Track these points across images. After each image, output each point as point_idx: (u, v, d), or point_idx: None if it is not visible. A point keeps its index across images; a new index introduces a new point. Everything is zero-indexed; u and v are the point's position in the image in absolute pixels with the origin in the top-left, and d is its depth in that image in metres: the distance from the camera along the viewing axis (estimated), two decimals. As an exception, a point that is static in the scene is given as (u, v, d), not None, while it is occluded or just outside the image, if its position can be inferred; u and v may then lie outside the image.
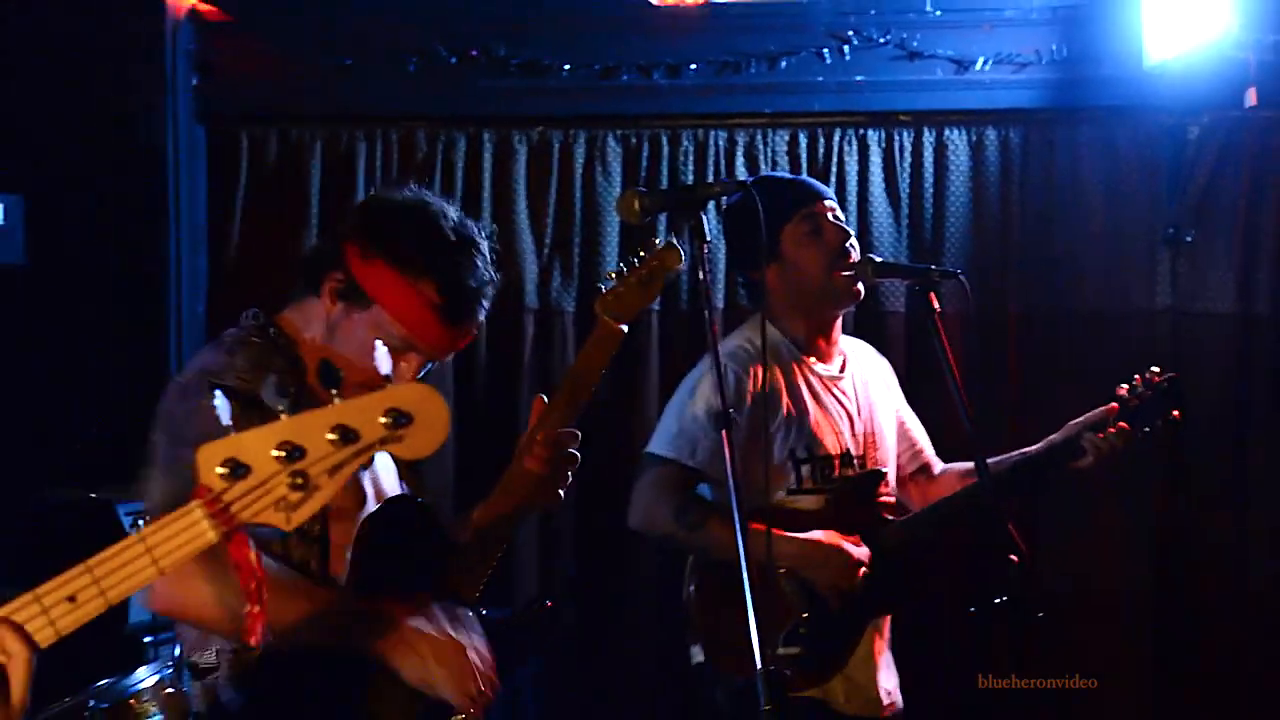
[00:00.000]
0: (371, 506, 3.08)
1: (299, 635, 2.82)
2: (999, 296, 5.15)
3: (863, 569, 3.80)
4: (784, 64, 5.28)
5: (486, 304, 3.04)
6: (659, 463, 3.86)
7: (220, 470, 1.83)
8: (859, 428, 4.00)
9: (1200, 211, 5.09)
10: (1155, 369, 3.89)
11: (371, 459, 1.89)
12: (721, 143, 5.36)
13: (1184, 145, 5.06)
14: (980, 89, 5.18)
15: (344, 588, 2.95)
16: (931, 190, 5.24)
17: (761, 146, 5.33)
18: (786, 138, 5.32)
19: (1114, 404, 3.82)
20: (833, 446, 3.92)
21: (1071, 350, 5.08)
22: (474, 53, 5.43)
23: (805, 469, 3.89)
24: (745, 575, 2.91)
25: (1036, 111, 5.18)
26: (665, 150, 5.39)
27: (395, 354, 2.93)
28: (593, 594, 5.32)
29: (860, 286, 3.95)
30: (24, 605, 1.83)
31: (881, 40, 5.21)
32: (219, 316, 5.52)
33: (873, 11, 5.24)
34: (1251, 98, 4.92)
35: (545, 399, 3.15)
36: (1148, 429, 3.85)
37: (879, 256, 4.28)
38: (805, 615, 3.78)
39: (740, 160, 5.33)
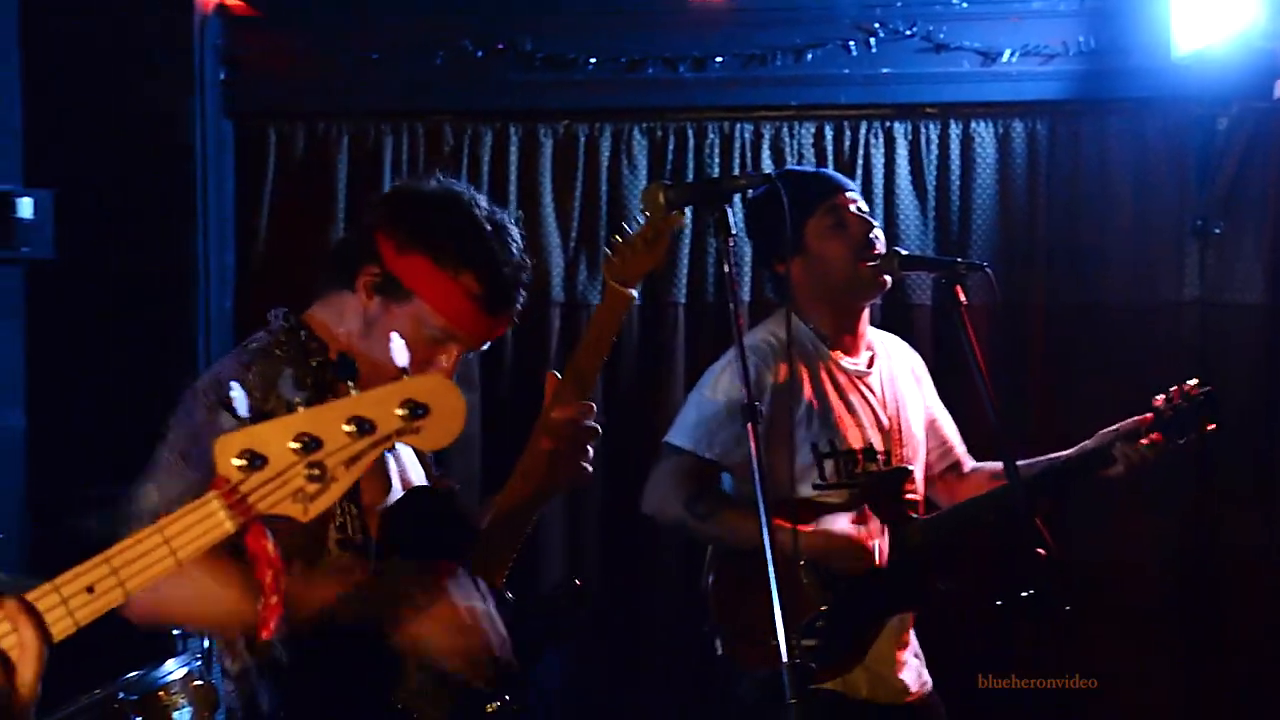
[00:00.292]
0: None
1: (317, 619, 2.79)
2: (1026, 289, 5.14)
3: (876, 556, 3.77)
4: (810, 57, 5.26)
5: (524, 291, 3.01)
6: (675, 452, 3.86)
7: (237, 461, 1.82)
8: (885, 423, 3.98)
9: (1228, 203, 5.06)
10: (1192, 381, 3.83)
11: (390, 449, 1.88)
12: (747, 136, 5.35)
13: (1212, 136, 5.03)
14: (1007, 81, 5.16)
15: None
16: (958, 183, 5.21)
17: (788, 139, 5.31)
18: (812, 131, 5.30)
19: (1149, 414, 3.78)
20: (856, 441, 3.90)
21: (1099, 343, 5.06)
22: (500, 46, 5.43)
23: (828, 463, 3.87)
24: (771, 567, 2.89)
25: (1064, 103, 5.15)
26: (691, 143, 5.38)
27: (434, 345, 2.93)
28: (618, 582, 5.32)
29: (886, 277, 3.93)
30: (43, 595, 1.83)
31: (908, 32, 5.19)
32: (247, 311, 5.55)
33: (899, 4, 5.22)
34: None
35: (558, 375, 3.11)
36: (1182, 440, 3.80)
37: (905, 249, 4.28)
38: (824, 608, 3.76)
39: (766, 153, 5.32)
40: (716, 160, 5.34)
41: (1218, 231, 5.05)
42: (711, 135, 5.35)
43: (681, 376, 5.26)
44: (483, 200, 3.02)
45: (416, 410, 1.84)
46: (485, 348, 3.12)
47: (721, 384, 3.85)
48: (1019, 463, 3.67)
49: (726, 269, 3.14)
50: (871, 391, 3.99)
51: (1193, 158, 5.06)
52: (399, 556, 2.96)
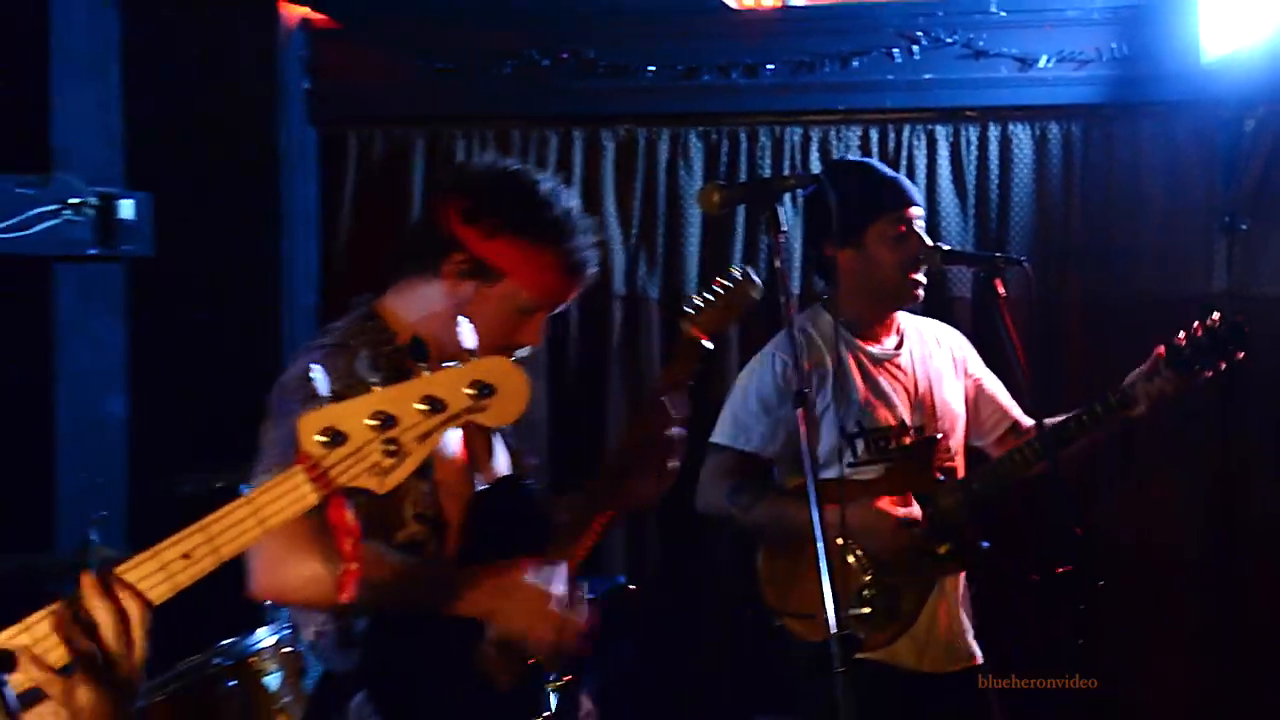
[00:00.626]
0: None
1: (397, 600, 2.85)
2: (1061, 283, 5.12)
3: (914, 527, 3.78)
4: (856, 63, 5.27)
5: (595, 251, 3.05)
6: (716, 450, 3.90)
7: (319, 438, 1.85)
8: (916, 399, 3.98)
9: (1255, 200, 5.02)
10: (1216, 315, 3.74)
11: (459, 425, 1.90)
12: (796, 139, 5.36)
13: (1240, 138, 4.99)
14: (1043, 86, 5.14)
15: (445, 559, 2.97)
16: (997, 182, 5.21)
17: (835, 142, 5.32)
18: (858, 133, 5.31)
19: (1161, 348, 3.73)
20: (886, 419, 3.90)
21: (1130, 333, 5.03)
22: (565, 56, 5.47)
23: (859, 442, 3.87)
24: (820, 543, 2.92)
25: (1097, 107, 5.13)
26: (744, 146, 5.40)
27: (523, 317, 2.95)
28: (678, 566, 5.35)
29: (921, 292, 3.94)
30: (143, 561, 1.85)
31: (949, 40, 5.19)
32: (329, 307, 5.60)
33: (940, 13, 5.22)
34: (1305, 91, 4.87)
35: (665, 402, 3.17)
36: (1210, 371, 3.72)
37: (946, 245, 4.27)
38: (869, 578, 3.78)
39: (814, 155, 5.33)
40: (768, 162, 5.35)
41: (1245, 228, 5.03)
42: (763, 138, 5.37)
43: (735, 365, 5.26)
44: (534, 170, 3.06)
45: (484, 390, 1.87)
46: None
47: (753, 381, 3.89)
48: (1049, 420, 3.69)
49: (777, 264, 3.17)
50: (901, 371, 3.98)
51: (1221, 158, 5.03)
52: (481, 542, 3.02)
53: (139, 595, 1.84)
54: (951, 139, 5.24)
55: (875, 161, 4.90)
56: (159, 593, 1.86)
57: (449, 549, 2.98)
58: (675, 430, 3.16)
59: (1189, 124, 5.05)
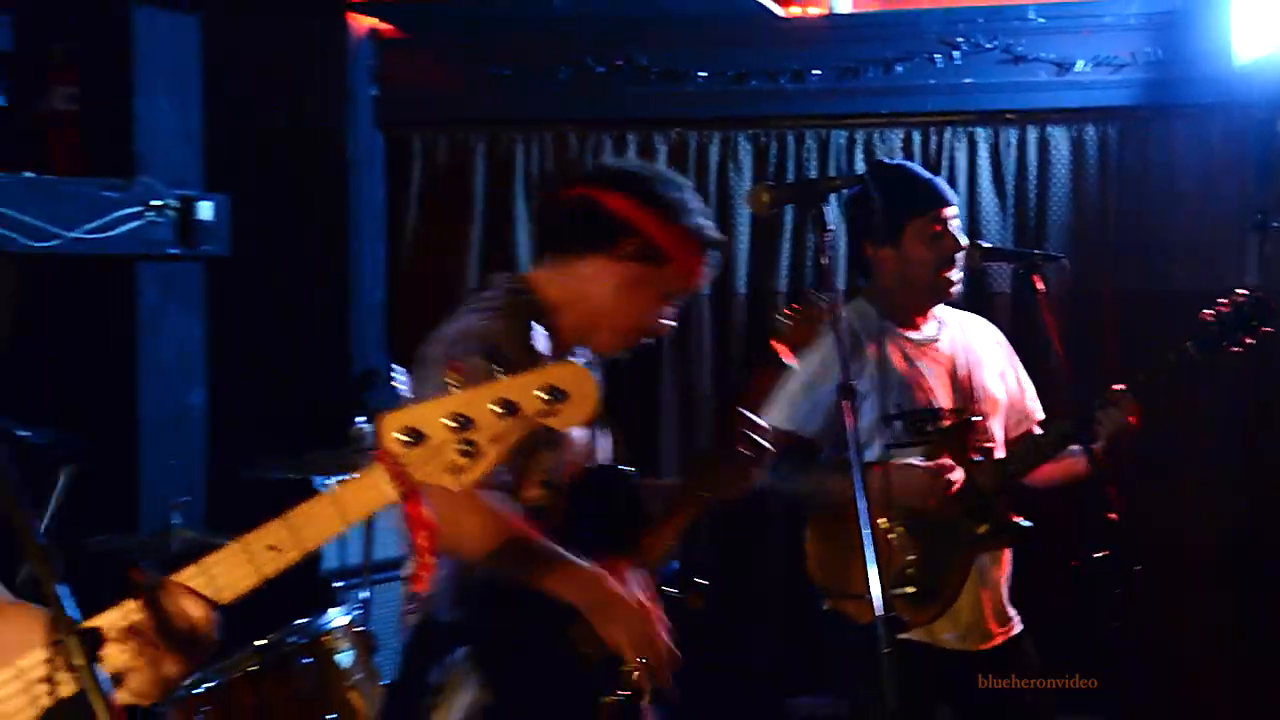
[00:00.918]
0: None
1: (507, 559, 2.92)
2: (1098, 279, 5.08)
3: (955, 478, 3.75)
4: (899, 69, 5.26)
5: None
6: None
7: (400, 437, 1.85)
8: (956, 383, 3.97)
9: (1287, 199, 5.00)
10: (1242, 290, 3.70)
11: (531, 428, 1.90)
12: (842, 141, 5.35)
13: (1271, 138, 4.94)
14: (1080, 89, 5.12)
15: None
16: (1035, 182, 5.19)
17: (879, 144, 5.31)
18: (901, 136, 5.30)
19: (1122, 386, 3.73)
20: (925, 402, 3.87)
21: (1165, 326, 5.00)
22: (619, 62, 5.47)
23: (899, 424, 3.82)
24: (866, 527, 2.92)
25: (1132, 109, 5.10)
26: (791, 148, 5.39)
27: (667, 300, 3.13)
28: (733, 549, 5.35)
29: (956, 290, 3.94)
30: (232, 553, 1.88)
31: (988, 46, 5.18)
32: (396, 302, 5.64)
33: (981, 19, 5.20)
34: (1334, 94, 4.83)
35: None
36: (1234, 348, 3.67)
37: (986, 243, 4.26)
38: (912, 558, 3.76)
39: (859, 156, 5.32)
40: (814, 163, 5.34)
41: (1276, 225, 4.98)
42: (809, 141, 5.36)
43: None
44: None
45: (557, 395, 1.86)
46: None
47: (812, 367, 3.84)
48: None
49: (824, 261, 3.17)
50: (941, 355, 3.96)
51: (1252, 158, 4.99)
52: (581, 519, 3.07)
53: (205, 601, 1.85)
54: (991, 141, 5.22)
55: (913, 164, 4.87)
56: (247, 583, 1.87)
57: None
58: (758, 437, 3.23)
59: (1221, 125, 5.02)
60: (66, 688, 1.63)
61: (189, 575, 1.87)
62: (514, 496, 2.99)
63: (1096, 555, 3.53)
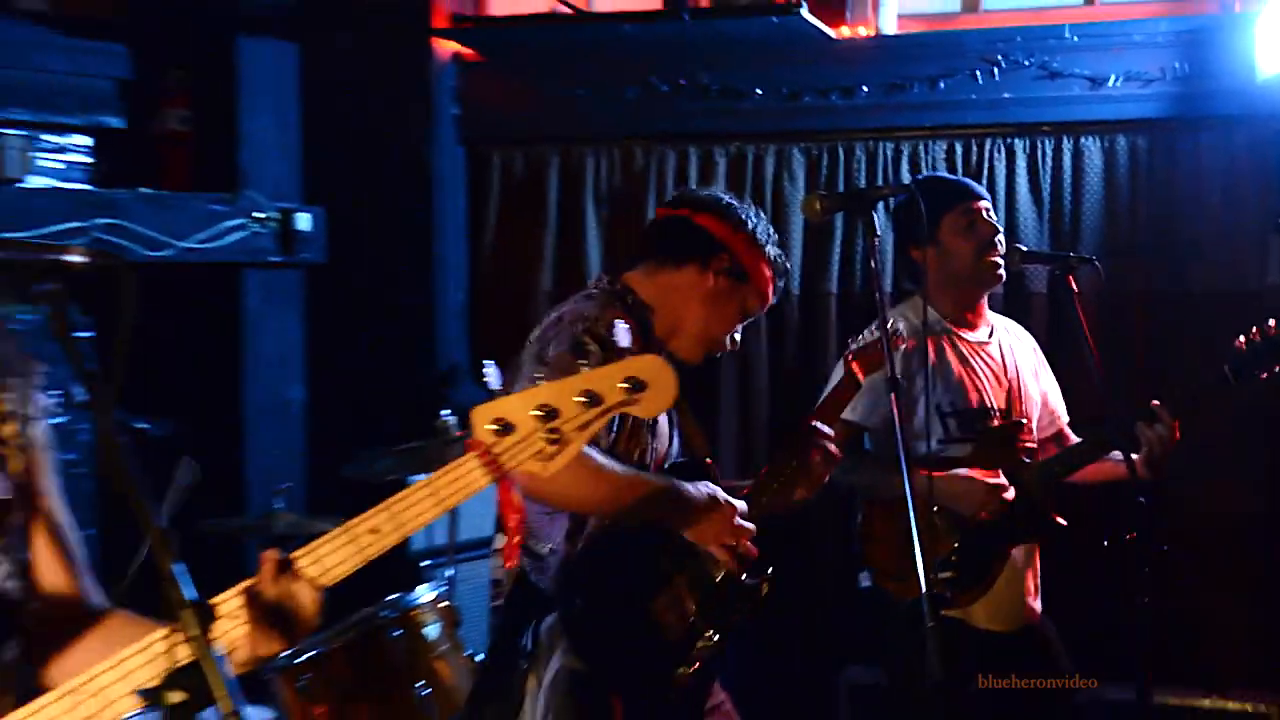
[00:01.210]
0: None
1: (626, 509, 3.04)
2: (1129, 279, 5.02)
3: (1005, 494, 3.75)
4: (942, 85, 5.22)
5: None
6: None
7: (490, 427, 1.86)
8: (1004, 384, 3.95)
9: (1307, 205, 4.93)
10: (1272, 322, 3.70)
11: (613, 416, 1.92)
12: (889, 153, 5.32)
13: (1292, 149, 4.90)
14: (1112, 102, 5.06)
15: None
16: (1070, 190, 5.14)
17: (923, 155, 5.28)
18: (944, 147, 5.26)
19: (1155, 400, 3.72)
20: (976, 401, 3.87)
21: (1192, 324, 4.97)
22: (682, 82, 5.47)
23: (951, 421, 3.85)
24: (912, 513, 2.93)
25: (1161, 121, 5.03)
26: (841, 160, 5.36)
27: (741, 317, 3.33)
28: (791, 531, 5.34)
29: (1002, 273, 3.92)
30: (337, 535, 1.89)
31: (1026, 62, 5.13)
32: (476, 304, 5.67)
33: (1019, 38, 5.15)
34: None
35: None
36: (1263, 375, 3.67)
37: (1024, 246, 4.24)
38: (956, 545, 3.76)
39: (905, 167, 5.28)
40: (863, 173, 5.31)
41: (1296, 229, 4.95)
42: (859, 153, 5.33)
43: (834, 353, 5.26)
44: None
45: (637, 386, 1.87)
46: None
47: None
48: None
49: (872, 264, 3.22)
50: (992, 359, 3.96)
51: (1274, 166, 4.90)
52: None
53: (309, 581, 1.86)
54: (1028, 152, 5.17)
55: (945, 174, 4.88)
56: (351, 564, 1.88)
57: None
58: (827, 450, 3.29)
59: (1245, 136, 4.95)
60: (183, 656, 1.65)
61: (299, 556, 1.88)
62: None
63: (1127, 537, 3.51)
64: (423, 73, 5.53)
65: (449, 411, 4.67)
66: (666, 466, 3.28)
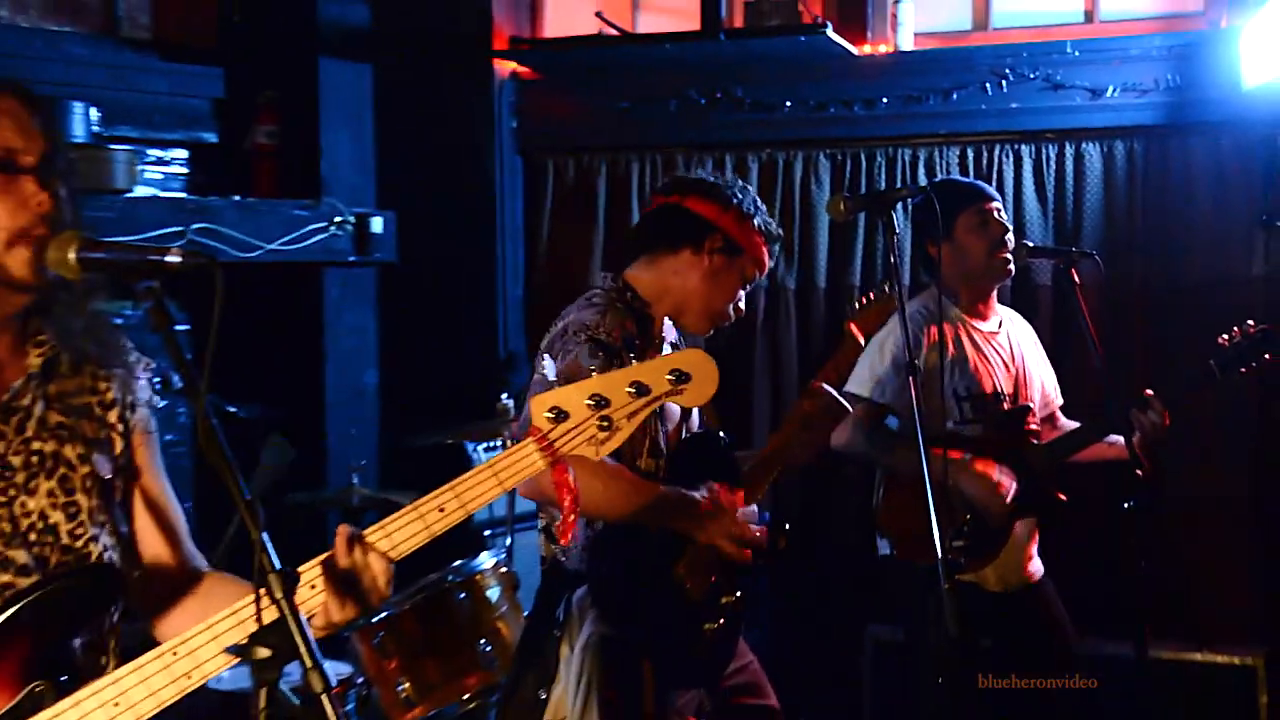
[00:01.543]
0: None
1: (635, 515, 2.98)
2: (1127, 272, 4.99)
3: (1005, 493, 3.73)
4: (955, 96, 5.19)
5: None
6: (855, 400, 3.83)
7: (547, 415, 1.88)
8: (1011, 371, 3.93)
9: (1289, 202, 4.88)
10: (1251, 321, 3.74)
11: (660, 405, 1.92)
12: (907, 158, 5.29)
13: (1275, 151, 4.82)
14: (1110, 111, 5.02)
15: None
16: (1072, 191, 5.10)
17: (938, 160, 5.25)
18: (957, 153, 5.23)
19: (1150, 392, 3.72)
20: (988, 386, 3.86)
21: (1184, 312, 4.92)
22: (718, 95, 5.46)
23: (965, 404, 3.84)
24: (929, 485, 2.91)
25: (1155, 128, 4.99)
26: (864, 165, 5.33)
27: (742, 284, 3.23)
28: (806, 504, 5.34)
29: (1011, 267, 3.90)
30: (406, 514, 1.90)
31: (1031, 75, 5.09)
32: (533, 296, 5.69)
33: (1025, 54, 5.11)
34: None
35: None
36: (1244, 369, 3.71)
37: (1030, 242, 4.22)
38: (968, 516, 3.75)
39: (921, 171, 5.25)
40: (883, 177, 5.29)
41: (1279, 224, 4.88)
42: (879, 158, 5.30)
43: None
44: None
45: (682, 377, 1.89)
46: None
47: (887, 346, 3.83)
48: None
49: (891, 259, 3.21)
50: (1001, 348, 3.94)
51: (1259, 168, 4.85)
52: (686, 474, 3.11)
53: (382, 555, 1.87)
54: (1034, 157, 5.13)
55: (959, 177, 4.85)
56: (419, 539, 1.90)
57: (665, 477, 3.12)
58: (833, 411, 3.26)
59: (1232, 141, 4.90)
60: (268, 616, 1.67)
61: (372, 532, 1.90)
62: (632, 466, 3.04)
63: (1125, 505, 3.49)
64: (484, 89, 5.54)
65: (507, 394, 4.69)
66: (685, 436, 3.25)
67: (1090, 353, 3.68)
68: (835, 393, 3.31)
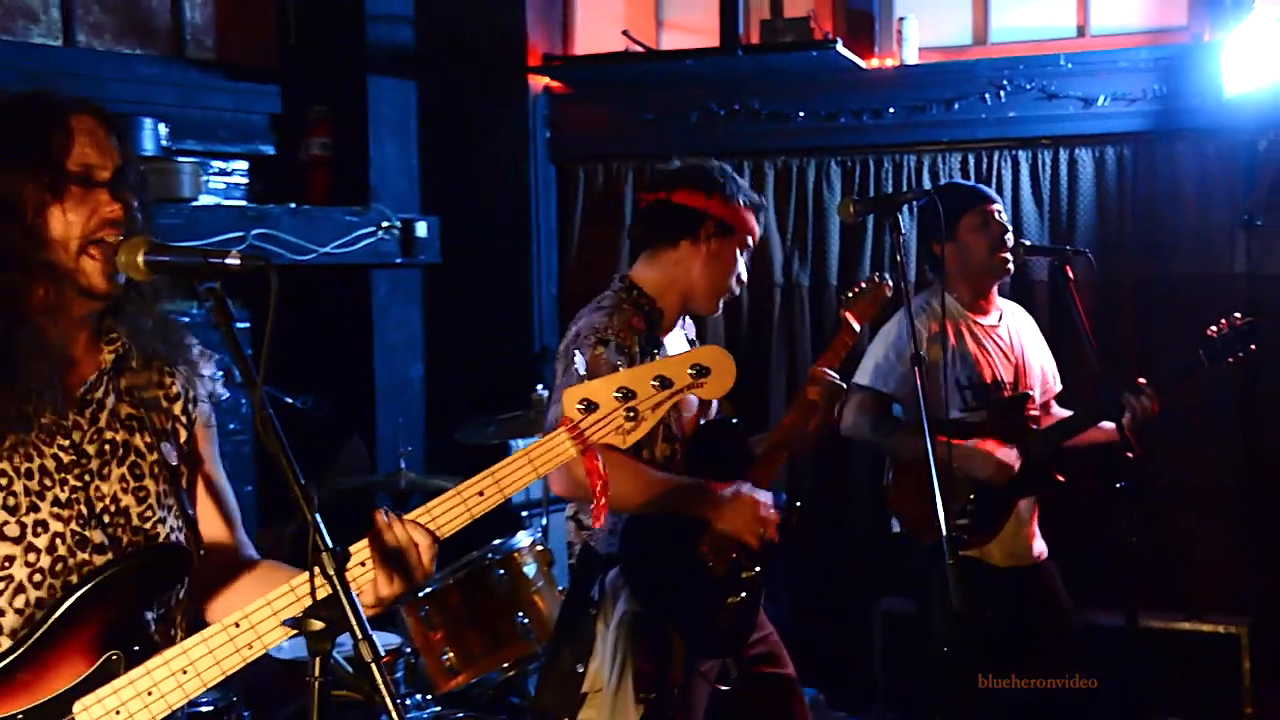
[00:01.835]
0: None
1: (654, 506, 2.96)
2: (1117, 269, 4.96)
3: (1012, 468, 3.71)
4: (957, 106, 5.16)
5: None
6: (862, 390, 3.83)
7: (578, 406, 1.89)
8: (1011, 361, 3.91)
9: (1268, 203, 4.81)
10: (1237, 315, 3.72)
11: (682, 398, 1.93)
12: (912, 164, 5.27)
13: (1255, 155, 4.79)
14: (1101, 119, 4.98)
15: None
16: (1066, 194, 5.06)
17: (941, 166, 5.22)
18: (959, 159, 5.20)
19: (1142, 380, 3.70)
20: (989, 376, 3.84)
21: (1172, 306, 4.89)
22: (736, 107, 5.44)
23: (967, 393, 3.82)
24: (934, 469, 2.90)
25: (1144, 135, 4.95)
26: (872, 170, 5.31)
27: (740, 257, 3.18)
28: (822, 485, 5.32)
29: (1010, 265, 3.88)
30: (449, 498, 1.91)
31: (1028, 86, 5.06)
32: (565, 294, 5.68)
33: (1021, 66, 5.08)
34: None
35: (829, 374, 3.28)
36: (1230, 359, 3.71)
37: (1027, 241, 4.20)
38: (972, 496, 3.73)
39: (925, 176, 5.23)
40: (890, 182, 5.26)
41: (1260, 224, 4.83)
42: (886, 165, 5.28)
43: (867, 334, 5.21)
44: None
45: (702, 371, 1.90)
46: None
47: (891, 338, 3.84)
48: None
49: (898, 258, 3.17)
50: (1001, 339, 3.92)
51: (1240, 171, 4.82)
52: (702, 458, 3.10)
53: (428, 532, 1.87)
54: (1030, 162, 5.10)
55: (961, 181, 4.83)
56: (460, 521, 1.90)
57: (681, 462, 3.11)
58: (832, 393, 3.23)
59: (1215, 147, 4.86)
60: (321, 592, 1.67)
61: (417, 515, 1.90)
62: (651, 453, 3.03)
63: (1118, 486, 3.47)
64: (519, 103, 5.53)
65: (542, 386, 4.68)
66: (702, 424, 3.24)
67: (1083, 344, 3.66)
68: (835, 376, 3.28)
